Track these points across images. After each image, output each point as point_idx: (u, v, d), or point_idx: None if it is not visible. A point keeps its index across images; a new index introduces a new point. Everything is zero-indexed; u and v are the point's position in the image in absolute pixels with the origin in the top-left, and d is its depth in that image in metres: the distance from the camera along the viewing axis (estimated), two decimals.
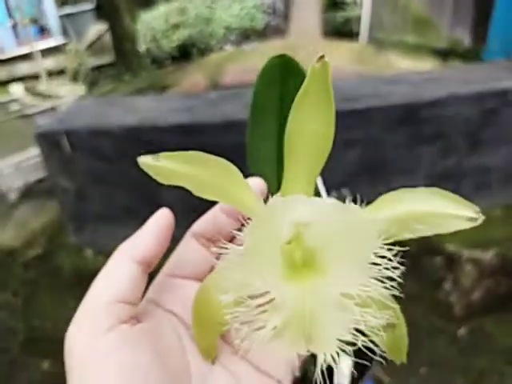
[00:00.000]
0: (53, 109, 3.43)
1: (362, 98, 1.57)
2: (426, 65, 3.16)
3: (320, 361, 0.26)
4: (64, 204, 1.84)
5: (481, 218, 0.27)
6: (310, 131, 0.31)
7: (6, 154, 2.22)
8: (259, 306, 0.27)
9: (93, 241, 1.84)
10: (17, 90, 4.21)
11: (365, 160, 1.57)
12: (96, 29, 4.59)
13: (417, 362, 1.41)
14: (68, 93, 4.06)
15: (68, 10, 4.92)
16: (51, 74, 4.57)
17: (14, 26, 5.20)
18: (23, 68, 4.50)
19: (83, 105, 2.00)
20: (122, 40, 4.15)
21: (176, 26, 4.55)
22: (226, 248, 0.27)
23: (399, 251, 0.28)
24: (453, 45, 3.47)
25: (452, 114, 1.54)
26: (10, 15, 5.27)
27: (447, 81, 1.71)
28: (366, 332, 0.27)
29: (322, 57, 0.29)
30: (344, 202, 0.28)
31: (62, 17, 4.91)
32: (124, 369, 0.26)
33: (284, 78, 0.44)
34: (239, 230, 0.28)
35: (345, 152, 1.54)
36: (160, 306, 0.32)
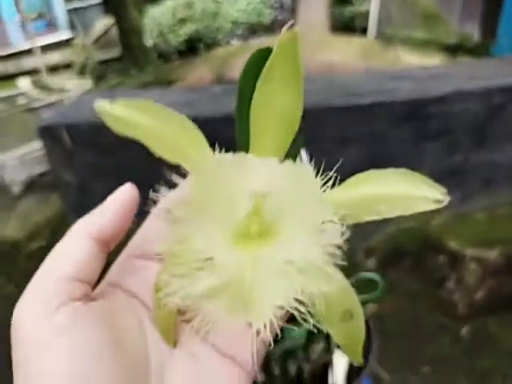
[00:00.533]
0: (59, 102, 3.43)
1: (366, 94, 1.54)
2: (435, 60, 3.13)
3: (253, 330, 0.24)
4: (66, 197, 1.84)
5: (446, 200, 0.26)
6: (276, 107, 0.29)
7: (10, 147, 2.22)
8: (197, 261, 0.25)
9: None
10: (24, 83, 4.22)
11: (369, 156, 1.55)
12: (103, 23, 4.59)
13: (418, 360, 1.40)
14: (75, 87, 4.07)
15: (75, 4, 4.92)
16: (58, 67, 4.58)
17: (23, 21, 5.22)
18: (30, 62, 4.51)
19: (85, 99, 2.00)
20: (128, 34, 4.15)
21: (183, 21, 4.54)
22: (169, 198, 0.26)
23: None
24: (462, 40, 3.42)
25: (459, 110, 1.51)
26: (19, 10, 5.29)
27: (454, 76, 1.68)
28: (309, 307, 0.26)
29: (291, 26, 0.27)
30: None
31: (69, 11, 4.92)
32: (77, 349, 0.24)
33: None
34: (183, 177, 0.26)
35: (348, 148, 1.52)
36: (120, 288, 0.30)
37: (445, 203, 0.26)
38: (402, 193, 0.27)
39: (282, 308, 0.24)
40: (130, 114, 0.27)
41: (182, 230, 0.25)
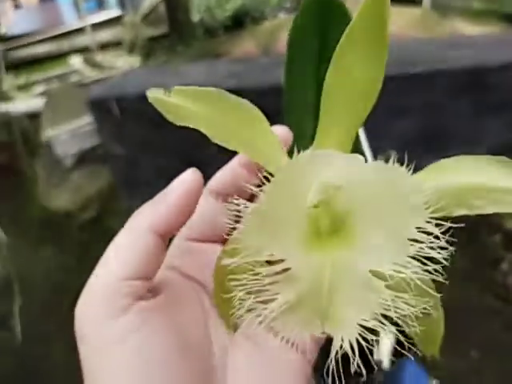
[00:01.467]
0: (108, 79, 3.51)
1: (422, 62, 1.46)
2: (494, 30, 2.93)
3: (335, 345, 0.22)
4: (115, 170, 1.89)
5: None
6: (356, 74, 0.25)
7: (62, 122, 2.30)
8: (272, 274, 0.23)
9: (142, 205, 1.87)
10: (76, 61, 4.35)
11: (423, 128, 1.48)
12: (151, 0, 4.63)
13: (467, 344, 1.34)
14: (124, 64, 4.15)
15: None
16: (109, 45, 4.67)
17: (75, 1, 5.34)
18: (82, 40, 4.63)
19: (134, 73, 2.02)
20: (176, 10, 4.16)
21: None
22: (242, 206, 0.23)
23: (450, 228, 0.23)
24: None
25: None
26: None
27: None
28: (397, 321, 0.23)
29: None
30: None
31: None
32: (143, 353, 0.23)
33: (324, 23, 0.39)
34: (260, 186, 0.24)
35: (401, 119, 1.46)
36: (180, 272, 0.29)
37: None
38: (501, 185, 0.23)
39: (367, 324, 0.22)
40: (188, 103, 0.25)
41: (255, 241, 0.23)
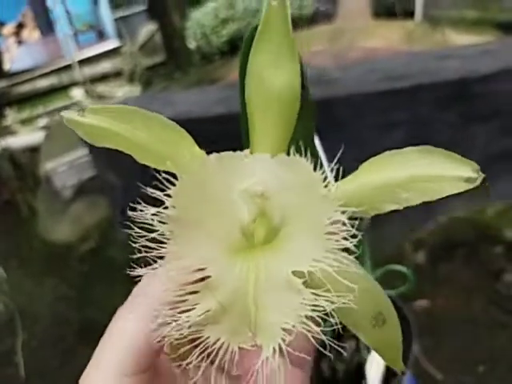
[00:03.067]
0: None
1: (409, 76, 1.46)
2: (486, 39, 2.94)
3: (265, 354, 0.21)
4: (113, 199, 1.89)
5: (480, 177, 0.22)
6: (270, 83, 0.26)
7: (60, 154, 2.32)
8: (190, 283, 0.22)
9: None
10: (77, 93, 4.42)
11: (412, 142, 1.46)
12: (147, 29, 4.72)
13: (474, 359, 1.31)
14: (125, 93, 4.21)
15: (121, 13, 5.09)
16: (109, 76, 4.75)
17: (74, 34, 5.47)
18: (83, 72, 4.71)
19: (125, 102, 2.04)
20: (172, 39, 4.23)
21: (225, 21, 4.56)
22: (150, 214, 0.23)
23: (356, 218, 0.23)
24: None
25: (509, 89, 1.40)
26: (71, 23, 5.56)
27: (504, 53, 1.56)
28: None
29: None
30: None
31: (116, 20, 5.10)
32: None
33: None
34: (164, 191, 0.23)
35: (390, 134, 1.45)
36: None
37: (478, 181, 0.22)
38: (425, 174, 0.23)
39: (293, 328, 0.21)
40: (103, 122, 0.24)
41: (173, 247, 0.22)
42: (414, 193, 0.23)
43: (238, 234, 0.24)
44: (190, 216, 0.23)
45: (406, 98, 1.43)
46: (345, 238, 0.22)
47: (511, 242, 1.48)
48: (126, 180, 1.77)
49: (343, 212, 0.22)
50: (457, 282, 1.47)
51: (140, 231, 0.23)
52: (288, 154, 0.25)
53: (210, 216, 0.23)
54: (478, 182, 0.22)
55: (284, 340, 0.21)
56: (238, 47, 4.38)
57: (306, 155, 0.23)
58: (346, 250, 0.22)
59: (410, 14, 3.70)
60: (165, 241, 0.23)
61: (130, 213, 0.23)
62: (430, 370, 1.27)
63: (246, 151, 0.26)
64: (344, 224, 0.22)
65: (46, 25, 6.29)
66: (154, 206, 0.23)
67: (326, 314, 0.22)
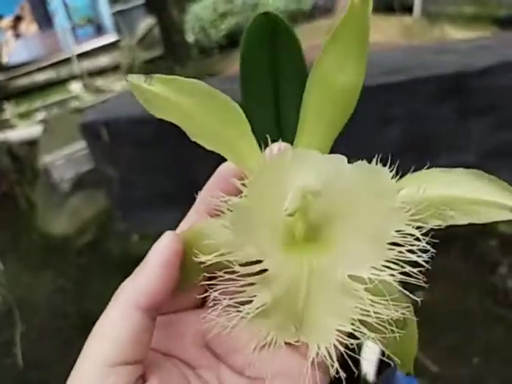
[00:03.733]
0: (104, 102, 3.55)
1: (405, 70, 1.47)
2: (484, 35, 2.93)
3: (311, 353, 0.21)
4: (110, 192, 1.90)
5: None
6: (337, 79, 0.26)
7: (58, 148, 2.32)
8: (249, 275, 0.22)
9: (138, 226, 1.88)
10: (75, 87, 4.41)
11: (409, 136, 1.47)
12: (146, 23, 4.70)
13: (470, 351, 1.32)
14: (123, 87, 4.20)
15: (119, 7, 5.07)
16: (107, 70, 4.74)
17: (73, 28, 5.45)
18: (81, 66, 4.70)
19: (125, 96, 2.04)
20: (170, 32, 4.22)
21: (224, 15, 4.55)
22: (222, 202, 0.22)
23: (428, 231, 0.23)
24: None
25: (505, 83, 1.40)
26: (70, 17, 5.53)
27: (501, 48, 1.56)
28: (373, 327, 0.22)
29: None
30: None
31: (114, 14, 5.08)
32: None
33: (271, 37, 0.39)
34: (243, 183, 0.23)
35: (386, 129, 1.46)
36: (157, 351, 0.27)
37: None
38: (474, 197, 0.23)
39: (344, 330, 0.22)
40: (169, 93, 0.24)
41: (231, 239, 0.22)
42: (461, 213, 0.23)
43: (284, 228, 0.24)
44: (255, 208, 0.23)
45: (403, 92, 1.43)
46: (411, 251, 0.22)
47: (506, 236, 1.49)
48: (123, 173, 1.77)
49: (418, 227, 0.22)
50: (452, 275, 1.47)
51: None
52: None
53: (270, 210, 0.23)
54: None
55: (336, 339, 0.21)
56: (236, 41, 4.36)
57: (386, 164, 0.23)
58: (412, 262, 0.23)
59: (408, 9, 3.69)
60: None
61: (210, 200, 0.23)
62: (426, 363, 1.28)
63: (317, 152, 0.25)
64: (417, 239, 0.22)
65: (44, 18, 6.25)
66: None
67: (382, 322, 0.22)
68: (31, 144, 2.70)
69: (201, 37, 4.48)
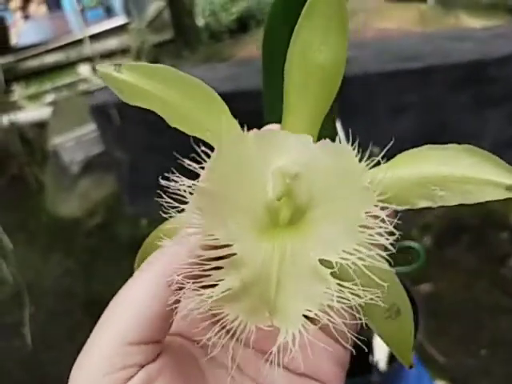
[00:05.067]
0: None
1: (421, 57, 1.44)
2: (500, 24, 2.88)
3: (281, 337, 0.21)
4: (120, 176, 1.90)
5: None
6: (316, 56, 0.25)
7: (68, 130, 2.32)
8: (215, 259, 0.22)
9: (147, 210, 1.88)
10: (84, 70, 4.39)
11: (422, 124, 1.45)
12: (156, 6, 4.66)
13: (477, 342, 1.32)
14: None
15: None
16: (116, 53, 4.72)
17: (82, 10, 5.41)
18: (90, 48, 4.67)
19: None
20: (180, 16, 4.18)
21: None
22: (185, 185, 0.22)
23: (396, 213, 0.23)
24: None
25: None
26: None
27: None
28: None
29: None
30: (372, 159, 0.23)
31: None
32: None
33: (298, 11, 0.38)
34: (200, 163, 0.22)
35: (400, 115, 1.44)
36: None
37: None
38: (466, 175, 0.22)
39: (313, 315, 0.21)
40: (139, 80, 0.24)
41: (202, 220, 0.22)
42: (452, 193, 0.23)
43: (264, 213, 0.24)
44: (223, 190, 0.22)
45: (418, 79, 1.41)
46: (380, 234, 0.21)
47: None
48: (133, 156, 1.77)
49: (383, 208, 0.21)
50: (462, 267, 1.47)
51: (170, 201, 0.23)
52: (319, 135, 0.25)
53: (241, 192, 0.23)
54: None
55: (303, 326, 0.21)
56: (247, 25, 4.32)
57: (333, 139, 0.23)
58: (380, 245, 0.22)
59: None
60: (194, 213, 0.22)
61: (162, 182, 0.22)
62: (433, 353, 1.28)
63: (285, 131, 0.25)
64: (383, 220, 0.21)
65: (54, 0, 6.22)
66: (184, 176, 0.23)
67: (350, 307, 0.21)
68: (40, 126, 2.70)
69: (211, 20, 4.43)
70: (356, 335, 0.23)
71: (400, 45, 1.61)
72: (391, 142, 0.24)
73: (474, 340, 1.31)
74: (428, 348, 1.27)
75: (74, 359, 0.23)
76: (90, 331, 0.23)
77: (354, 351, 0.25)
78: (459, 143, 0.23)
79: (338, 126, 0.50)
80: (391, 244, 0.22)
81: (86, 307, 1.65)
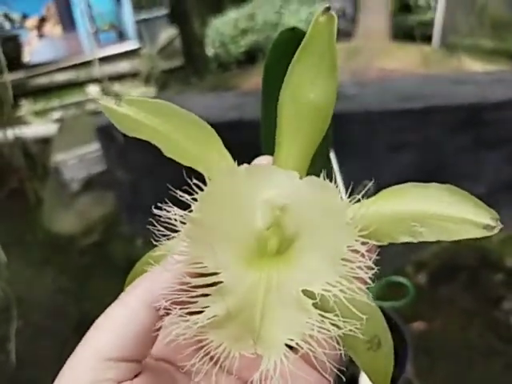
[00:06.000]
0: None
1: (421, 98, 1.48)
2: (501, 69, 2.95)
3: (263, 365, 0.22)
4: (119, 195, 1.91)
5: (498, 227, 0.23)
6: (306, 96, 0.26)
7: (72, 148, 2.35)
8: (202, 286, 0.23)
9: (144, 231, 1.88)
10: (93, 90, 4.46)
11: (421, 164, 1.47)
12: (168, 34, 4.78)
13: (466, 383, 1.29)
14: (140, 94, 4.25)
15: (143, 15, 5.17)
16: (126, 76, 4.80)
17: (96, 32, 5.54)
18: (100, 70, 4.77)
19: None
20: (191, 44, 4.28)
21: (244, 32, 4.61)
22: (177, 215, 0.23)
23: (376, 249, 0.24)
24: None
25: None
26: (94, 21, 5.64)
27: None
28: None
29: (327, 9, 0.25)
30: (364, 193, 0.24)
31: (137, 22, 5.17)
32: None
33: (295, 51, 0.40)
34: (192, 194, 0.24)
35: (399, 155, 1.46)
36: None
37: (496, 231, 0.23)
38: (445, 213, 0.23)
39: (296, 344, 0.22)
40: (138, 113, 0.25)
41: (191, 249, 0.23)
42: (431, 229, 0.23)
43: (252, 242, 0.24)
44: (212, 220, 0.23)
45: (418, 119, 1.44)
46: (360, 268, 0.22)
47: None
48: (134, 177, 1.78)
49: (363, 243, 0.22)
50: (456, 306, 1.46)
51: (162, 229, 0.24)
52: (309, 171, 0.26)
53: (230, 222, 0.24)
54: (495, 231, 0.23)
55: (285, 355, 0.22)
56: (255, 58, 4.42)
57: (325, 175, 0.24)
58: (360, 279, 0.23)
59: (427, 38, 3.72)
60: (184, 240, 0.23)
61: (155, 211, 0.23)
62: None
63: (274, 166, 0.26)
64: (363, 255, 0.22)
65: (69, 21, 6.38)
66: (176, 205, 0.24)
67: (330, 337, 0.22)
68: (45, 142, 2.73)
69: (220, 51, 4.54)
70: (341, 368, 0.24)
71: (402, 85, 1.65)
72: (389, 179, 0.24)
73: (464, 381, 1.29)
74: None
75: None
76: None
77: None
78: (457, 184, 0.24)
79: (333, 159, 0.51)
80: (371, 278, 0.23)
81: (76, 326, 1.62)
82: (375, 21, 3.69)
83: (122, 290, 0.26)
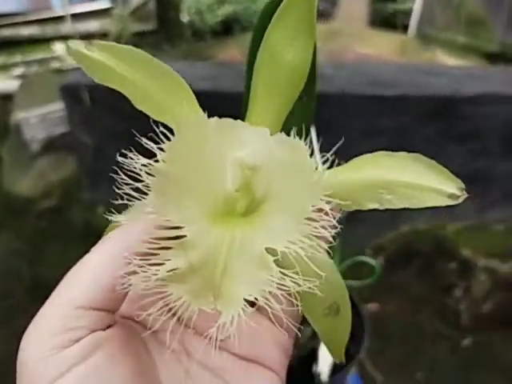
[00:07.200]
0: None
1: (395, 85, 1.49)
2: (473, 65, 3.02)
3: (222, 320, 0.22)
4: (82, 159, 1.85)
5: (463, 196, 0.23)
6: (284, 55, 0.26)
7: (34, 106, 2.24)
8: (166, 239, 0.22)
9: (106, 198, 1.84)
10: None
11: (390, 150, 1.50)
12: None
13: (415, 365, 1.36)
14: None
15: None
16: (95, 36, 4.61)
17: None
18: (68, 28, 4.55)
19: None
20: (166, 8, 4.15)
21: (222, 1, 4.51)
22: (141, 165, 0.22)
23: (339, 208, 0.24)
24: (504, 49, 3.29)
25: (490, 113, 1.44)
26: None
27: (490, 78, 1.60)
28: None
29: None
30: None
31: None
32: None
33: None
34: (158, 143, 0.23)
35: (369, 140, 1.47)
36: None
37: (460, 200, 0.23)
38: (412, 181, 0.24)
39: (255, 300, 0.22)
40: (110, 60, 0.24)
41: (157, 201, 0.22)
42: (398, 197, 0.24)
43: (220, 201, 0.24)
44: (179, 173, 0.23)
45: (392, 106, 1.45)
46: (323, 227, 0.22)
47: (465, 260, 1.54)
48: (99, 142, 1.72)
49: (328, 202, 0.23)
50: (408, 291, 1.51)
51: (126, 179, 0.23)
52: (287, 131, 0.25)
53: (198, 177, 0.23)
54: (460, 201, 0.23)
55: (243, 310, 0.22)
56: (231, 29, 4.33)
57: (303, 137, 0.24)
58: (323, 238, 0.23)
59: (405, 27, 3.76)
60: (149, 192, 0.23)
61: (119, 159, 0.23)
62: (372, 373, 1.31)
63: (246, 122, 0.26)
64: (326, 214, 0.22)
65: None
66: (144, 156, 0.23)
67: (289, 295, 0.22)
68: (5, 98, 2.59)
69: (196, 19, 4.42)
70: (299, 326, 0.24)
71: (375, 71, 1.65)
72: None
73: (413, 363, 1.35)
74: (368, 367, 1.30)
75: (12, 342, 0.23)
76: (31, 315, 0.24)
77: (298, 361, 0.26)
78: None
79: (313, 132, 0.51)
80: (334, 238, 0.23)
81: (29, 290, 1.58)
82: (356, 5, 3.69)
83: (78, 255, 0.25)
